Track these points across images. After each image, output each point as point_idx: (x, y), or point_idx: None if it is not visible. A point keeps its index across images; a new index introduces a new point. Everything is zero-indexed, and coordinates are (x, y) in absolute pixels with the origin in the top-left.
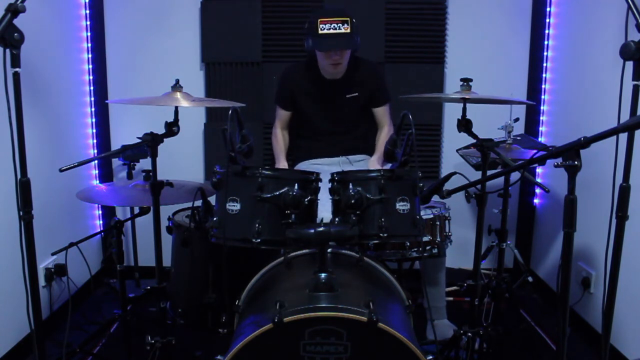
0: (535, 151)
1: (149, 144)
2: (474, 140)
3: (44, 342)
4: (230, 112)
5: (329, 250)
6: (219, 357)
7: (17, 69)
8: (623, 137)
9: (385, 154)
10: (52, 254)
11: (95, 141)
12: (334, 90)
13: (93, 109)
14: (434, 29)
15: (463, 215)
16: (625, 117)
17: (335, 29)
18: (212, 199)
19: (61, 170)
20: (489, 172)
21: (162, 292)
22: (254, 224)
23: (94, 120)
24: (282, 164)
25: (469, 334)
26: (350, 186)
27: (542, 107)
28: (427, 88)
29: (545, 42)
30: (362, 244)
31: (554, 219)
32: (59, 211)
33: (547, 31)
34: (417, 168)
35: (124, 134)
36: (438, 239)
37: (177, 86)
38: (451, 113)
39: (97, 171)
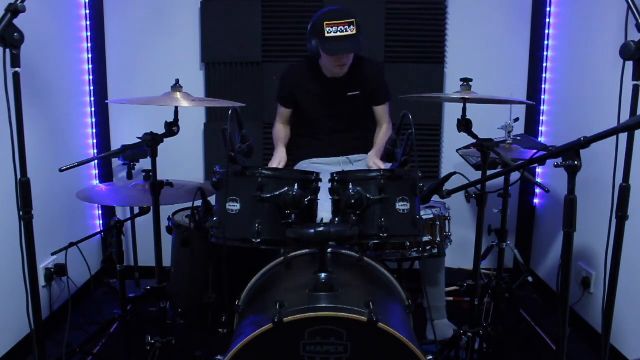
0: (535, 151)
1: (149, 144)
2: (474, 140)
3: (44, 342)
4: (230, 112)
5: (329, 250)
6: (219, 357)
7: (17, 69)
8: (623, 137)
9: (385, 154)
10: (52, 254)
11: (95, 141)
12: (335, 89)
13: (93, 109)
14: (434, 29)
15: (463, 215)
16: (625, 117)
17: (343, 31)
18: (212, 199)
19: (61, 170)
20: (489, 172)
21: (162, 292)
22: (254, 224)
23: (94, 120)
24: (280, 150)
25: (469, 334)
26: (350, 186)
27: (542, 107)
28: (427, 88)
29: (545, 42)
30: (362, 244)
31: (554, 219)
32: (59, 211)
33: (547, 31)
34: (417, 168)
35: (124, 134)
36: (438, 239)
37: (177, 86)
38: (451, 113)
39: (97, 171)
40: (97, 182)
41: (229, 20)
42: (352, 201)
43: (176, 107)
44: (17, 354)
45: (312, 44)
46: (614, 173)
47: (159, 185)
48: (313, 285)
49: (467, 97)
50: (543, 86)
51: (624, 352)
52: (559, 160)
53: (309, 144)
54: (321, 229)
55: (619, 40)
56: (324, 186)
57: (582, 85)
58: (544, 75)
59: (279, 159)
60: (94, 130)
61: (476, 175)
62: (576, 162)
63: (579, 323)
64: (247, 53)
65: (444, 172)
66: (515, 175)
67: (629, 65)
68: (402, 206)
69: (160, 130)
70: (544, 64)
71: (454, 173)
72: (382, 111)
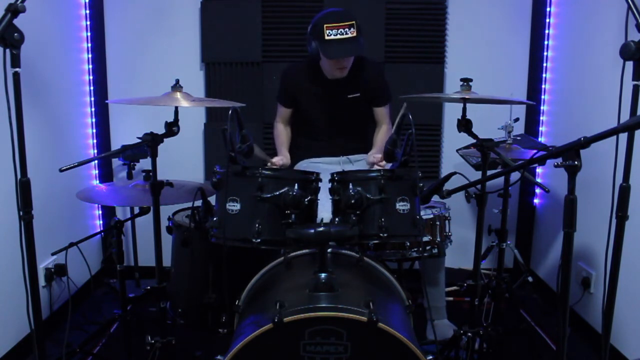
0: (535, 151)
1: (149, 144)
2: (474, 140)
3: (44, 342)
4: (230, 112)
5: (329, 250)
6: (219, 357)
7: (17, 69)
8: (623, 137)
9: (385, 154)
10: (52, 254)
11: (95, 141)
12: (335, 90)
13: (93, 109)
14: (434, 29)
15: (463, 215)
16: (625, 117)
17: (343, 34)
18: (212, 199)
19: (61, 170)
20: (489, 172)
21: (162, 292)
22: (254, 224)
23: (94, 120)
24: (283, 154)
25: (469, 334)
26: (350, 186)
27: (542, 107)
28: (427, 88)
29: (545, 42)
30: (362, 244)
31: (554, 219)
32: (59, 211)
33: (547, 31)
34: (417, 168)
35: (124, 134)
36: (438, 239)
37: (177, 86)
38: (451, 113)
39: (97, 171)
40: (97, 182)
41: (229, 20)
42: (352, 201)
43: (176, 107)
44: (17, 354)
45: (312, 45)
46: (614, 173)
47: (159, 185)
48: (313, 285)
49: (467, 97)
50: (543, 86)
51: (624, 352)
52: (559, 160)
53: (309, 143)
54: (321, 229)
55: (619, 40)
56: (324, 186)
57: (582, 85)
58: (544, 75)
59: (282, 163)
60: (94, 130)
61: (476, 175)
62: (576, 162)
63: (579, 323)
64: (247, 53)
65: (444, 172)
66: (515, 175)
67: (629, 65)
68: (402, 206)
69: (160, 130)
70: (544, 64)
71: (454, 173)
72: (382, 113)
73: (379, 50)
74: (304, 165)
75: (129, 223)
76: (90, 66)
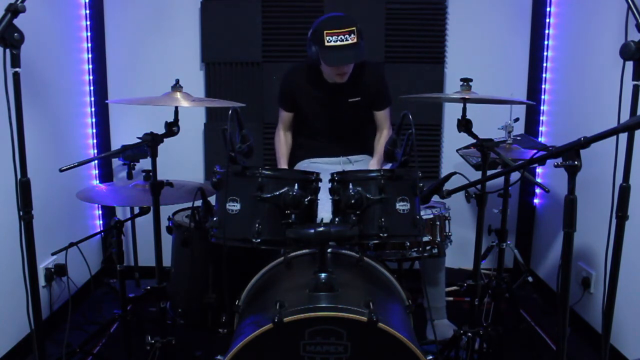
0: (535, 151)
1: (149, 144)
2: (474, 140)
3: (44, 342)
4: (230, 112)
5: (329, 250)
6: (219, 357)
7: (17, 69)
8: (623, 137)
9: (385, 154)
10: (52, 254)
11: (95, 141)
12: (336, 95)
13: (93, 109)
14: (434, 29)
15: (463, 215)
16: (625, 117)
17: (343, 40)
18: (212, 199)
19: (61, 170)
20: (489, 172)
21: (162, 292)
22: (254, 224)
23: (94, 120)
24: (283, 166)
25: (469, 334)
26: (350, 186)
27: (542, 107)
28: (427, 88)
29: (545, 42)
30: (362, 244)
31: (554, 219)
32: (59, 211)
33: (547, 31)
34: (417, 168)
35: (124, 134)
36: (438, 239)
37: (177, 86)
38: (451, 113)
39: (97, 171)
40: (97, 182)
41: (229, 20)
42: (352, 201)
43: (176, 107)
44: (17, 354)
45: (312, 50)
46: (614, 173)
47: (159, 185)
48: (313, 285)
49: (467, 97)
50: (543, 86)
51: (624, 352)
52: (559, 160)
53: (309, 144)
54: (321, 229)
55: (619, 40)
56: (324, 186)
57: (582, 85)
58: (544, 75)
59: None
60: (94, 130)
61: (476, 175)
62: (576, 162)
63: (579, 323)
64: (247, 53)
65: (444, 172)
66: (515, 175)
67: (629, 65)
68: (402, 206)
69: (160, 130)
70: (544, 64)
71: (454, 173)
72: (382, 116)
73: (379, 50)
74: (304, 165)
75: (129, 223)
76: (90, 66)
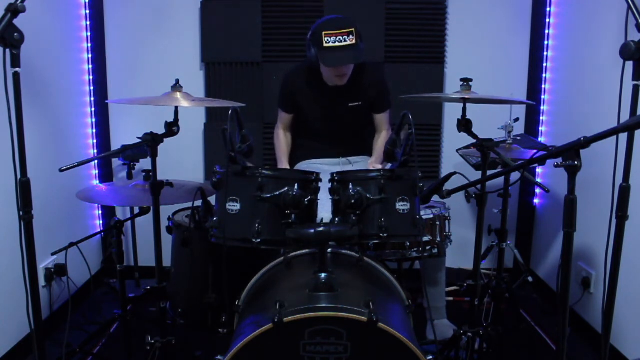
0: (535, 151)
1: (149, 144)
2: (474, 140)
3: (44, 342)
4: (230, 112)
5: (329, 250)
6: (219, 357)
7: (17, 69)
8: (623, 137)
9: (385, 154)
10: (52, 254)
11: (95, 141)
12: (336, 98)
13: (93, 109)
14: (434, 29)
15: (463, 215)
16: (625, 117)
17: (341, 41)
18: (212, 199)
19: (61, 170)
20: (489, 172)
21: (162, 292)
22: (254, 224)
23: (94, 120)
24: (284, 166)
25: (469, 334)
26: (350, 186)
27: (542, 107)
28: (427, 88)
29: (545, 42)
30: (362, 244)
31: (554, 219)
32: (59, 211)
33: (547, 31)
34: (417, 168)
35: (124, 134)
36: (438, 239)
37: (177, 86)
38: (451, 113)
39: (97, 171)
40: (97, 182)
41: (229, 20)
42: (352, 201)
43: (176, 107)
44: (17, 354)
45: (312, 52)
46: (614, 173)
47: (159, 185)
48: (313, 285)
49: (467, 97)
50: (543, 86)
51: (624, 352)
52: (559, 160)
53: (309, 145)
54: (321, 229)
55: (619, 40)
56: (324, 186)
57: (582, 85)
58: (544, 75)
59: None
60: (94, 130)
61: (476, 175)
62: (576, 162)
63: (579, 323)
64: (247, 53)
65: (444, 172)
66: (515, 175)
67: (629, 65)
68: (402, 206)
69: (160, 130)
70: (544, 64)
71: (454, 173)
72: (382, 119)
73: (379, 50)
74: (304, 166)
75: (129, 223)
76: (90, 66)
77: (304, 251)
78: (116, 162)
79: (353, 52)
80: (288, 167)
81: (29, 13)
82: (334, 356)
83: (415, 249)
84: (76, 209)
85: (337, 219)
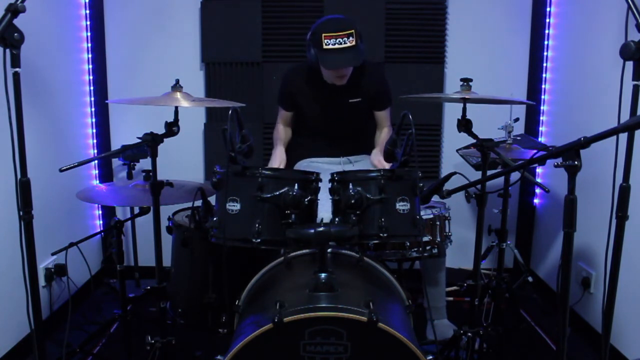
0: (535, 151)
1: (149, 144)
2: (474, 140)
3: (44, 342)
4: (230, 112)
5: (329, 250)
6: (219, 357)
7: (17, 69)
8: (623, 137)
9: (385, 154)
10: (52, 254)
11: (95, 141)
12: (336, 95)
13: (93, 109)
14: (434, 29)
15: (463, 215)
16: (625, 117)
17: (341, 43)
18: (212, 199)
19: (61, 170)
20: (489, 172)
21: (162, 292)
22: (254, 224)
23: (94, 120)
24: (279, 150)
25: (469, 334)
26: (350, 186)
27: (542, 107)
28: (427, 88)
29: (545, 42)
30: (362, 244)
31: (554, 219)
32: (59, 211)
33: (547, 31)
34: (417, 168)
35: (124, 134)
36: (438, 239)
37: (177, 86)
38: (451, 113)
39: (97, 171)
40: (97, 182)
41: (229, 20)
42: (352, 201)
43: (176, 107)
44: (17, 354)
45: (311, 53)
46: (614, 173)
47: (159, 185)
48: (313, 285)
49: (467, 97)
50: (543, 86)
51: (624, 352)
52: (559, 160)
53: (309, 144)
54: (321, 229)
55: (619, 40)
56: (324, 186)
57: (582, 85)
58: (544, 75)
59: (279, 160)
60: (94, 130)
61: (476, 175)
62: (576, 162)
63: (579, 323)
64: (247, 53)
65: (444, 172)
66: (515, 175)
67: (629, 65)
68: (402, 206)
69: (160, 130)
70: (544, 64)
71: (454, 173)
72: (383, 116)
73: (379, 50)
74: (304, 164)
75: (129, 223)
76: (90, 66)
77: (304, 251)
78: (116, 162)
79: (353, 54)
80: (283, 151)
81: (29, 13)
82: (334, 356)
83: (415, 249)
84: (76, 209)
85: (337, 219)
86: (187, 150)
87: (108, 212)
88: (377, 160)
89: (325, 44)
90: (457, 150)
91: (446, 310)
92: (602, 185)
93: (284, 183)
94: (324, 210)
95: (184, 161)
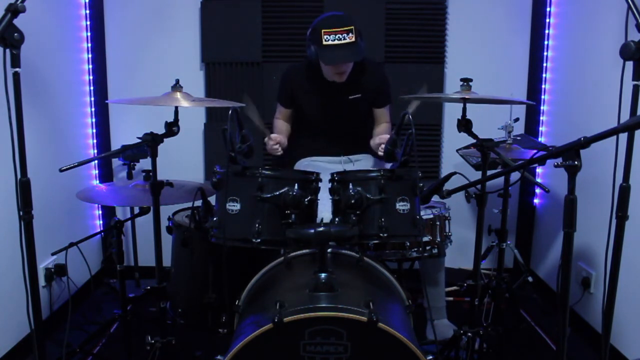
0: (535, 151)
1: (149, 144)
2: (474, 140)
3: (44, 342)
4: (230, 112)
5: (329, 250)
6: (219, 357)
7: (17, 69)
8: (623, 137)
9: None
10: (52, 254)
11: (95, 141)
12: (336, 92)
13: (93, 109)
14: (434, 29)
15: (463, 215)
16: (625, 117)
17: (340, 39)
18: (212, 199)
19: (61, 170)
20: (489, 172)
21: (162, 292)
22: (254, 224)
23: (94, 120)
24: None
25: (469, 334)
26: (350, 186)
27: (542, 107)
28: (427, 88)
29: (545, 42)
30: (362, 244)
31: (554, 219)
32: (59, 211)
33: (547, 31)
34: (417, 168)
35: (124, 134)
36: (438, 239)
37: (177, 86)
38: (451, 113)
39: (97, 171)
40: (97, 182)
41: (229, 20)
42: (352, 201)
43: (176, 107)
44: (17, 354)
45: (311, 49)
46: (614, 173)
47: (159, 185)
48: (313, 285)
49: (467, 97)
50: (543, 86)
51: (624, 352)
52: (559, 160)
53: (309, 143)
54: (321, 229)
55: (619, 40)
56: (324, 186)
57: (582, 85)
58: (544, 75)
59: (278, 140)
60: (94, 130)
61: (476, 175)
62: (576, 162)
63: (579, 323)
64: (247, 53)
65: (444, 172)
66: (515, 175)
67: (629, 65)
68: (402, 206)
69: (160, 130)
70: (544, 64)
71: (454, 173)
72: (382, 113)
73: (379, 50)
74: (305, 164)
75: (129, 223)
76: (90, 66)
77: (304, 251)
78: (116, 162)
79: (352, 50)
80: (283, 135)
81: (29, 13)
82: (334, 356)
83: (415, 249)
84: (76, 209)
85: (337, 219)
86: (187, 150)
87: (108, 212)
88: (378, 138)
89: (325, 40)
90: (457, 150)
91: (446, 310)
92: (602, 185)
93: (284, 183)
94: (324, 210)
95: (184, 161)
